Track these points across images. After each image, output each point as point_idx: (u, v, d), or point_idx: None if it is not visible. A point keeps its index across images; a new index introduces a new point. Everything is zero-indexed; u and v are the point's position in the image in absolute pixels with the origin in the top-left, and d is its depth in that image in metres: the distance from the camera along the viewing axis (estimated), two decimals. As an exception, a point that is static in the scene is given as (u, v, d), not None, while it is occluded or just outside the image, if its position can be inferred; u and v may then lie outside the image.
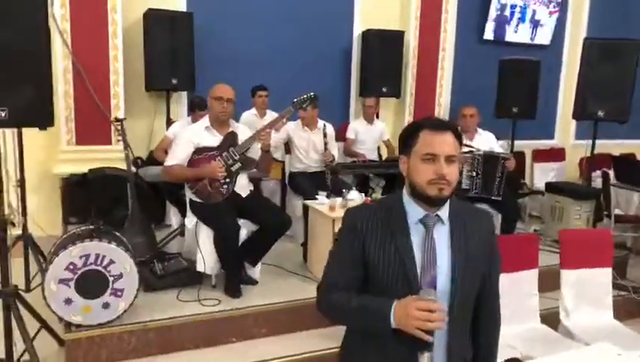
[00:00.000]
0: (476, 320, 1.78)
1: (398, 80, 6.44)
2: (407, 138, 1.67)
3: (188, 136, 3.84)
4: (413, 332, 1.50)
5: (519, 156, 6.72)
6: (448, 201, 1.68)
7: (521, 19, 7.22)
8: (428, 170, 1.60)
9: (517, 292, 3.18)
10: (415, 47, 6.59)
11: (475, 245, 1.68)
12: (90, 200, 4.76)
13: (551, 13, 7.36)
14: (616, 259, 4.64)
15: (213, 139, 3.82)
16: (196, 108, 4.99)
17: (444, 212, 1.67)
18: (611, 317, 3.36)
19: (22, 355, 3.02)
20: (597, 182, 5.79)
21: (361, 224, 1.68)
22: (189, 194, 3.83)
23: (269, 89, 5.60)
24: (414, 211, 1.66)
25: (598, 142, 5.43)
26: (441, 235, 1.67)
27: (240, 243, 3.76)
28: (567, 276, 3.26)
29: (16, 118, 2.73)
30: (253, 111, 5.61)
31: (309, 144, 5.06)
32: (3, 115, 2.67)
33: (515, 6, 7.11)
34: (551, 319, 3.31)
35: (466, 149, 4.85)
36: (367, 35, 6.35)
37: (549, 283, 3.47)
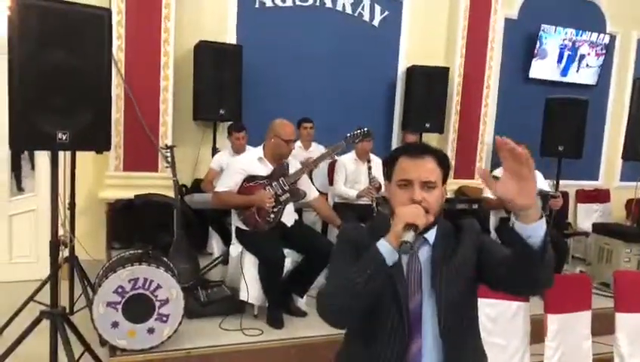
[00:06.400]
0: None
1: (441, 116, 6.41)
2: (388, 164, 1.70)
3: (240, 165, 3.89)
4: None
5: (563, 197, 6.58)
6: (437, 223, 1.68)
7: (568, 59, 7.18)
8: (403, 196, 1.60)
9: (568, 334, 3.07)
10: (459, 84, 6.57)
11: (462, 258, 1.65)
12: (135, 226, 4.82)
13: (598, 55, 7.31)
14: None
15: (265, 169, 3.87)
16: (232, 130, 5.11)
17: (430, 234, 1.66)
18: (670, 366, 3.21)
19: (66, 377, 3.03)
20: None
21: (356, 238, 1.69)
22: (235, 222, 3.86)
23: (313, 121, 5.66)
24: None
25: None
26: (429, 257, 1.65)
27: (286, 274, 3.74)
28: (623, 320, 3.14)
29: (76, 142, 2.78)
30: (298, 143, 5.64)
31: (357, 176, 5.04)
32: (64, 138, 2.71)
33: (564, 46, 7.09)
34: (603, 365, 3.20)
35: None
36: (412, 70, 6.38)
37: (597, 327, 3.36)
